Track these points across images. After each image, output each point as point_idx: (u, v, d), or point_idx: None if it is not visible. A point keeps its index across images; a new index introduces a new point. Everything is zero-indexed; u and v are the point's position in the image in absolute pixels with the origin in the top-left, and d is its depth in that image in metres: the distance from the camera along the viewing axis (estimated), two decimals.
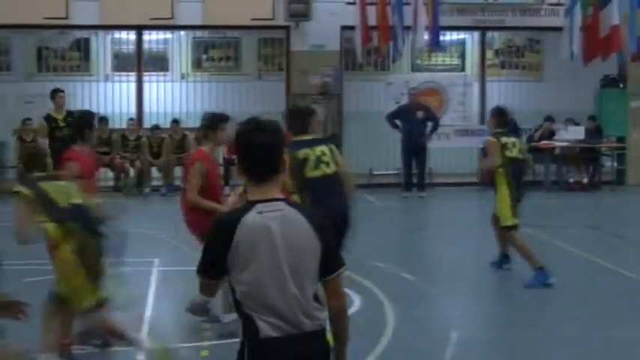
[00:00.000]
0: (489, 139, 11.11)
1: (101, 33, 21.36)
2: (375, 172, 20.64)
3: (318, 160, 8.05)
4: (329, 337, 4.15)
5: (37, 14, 19.52)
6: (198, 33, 21.58)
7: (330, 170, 8.09)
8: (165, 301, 9.95)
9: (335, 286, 4.13)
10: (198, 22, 20.49)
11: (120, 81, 21.37)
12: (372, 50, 21.07)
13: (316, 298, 4.07)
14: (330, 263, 4.10)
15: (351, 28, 20.39)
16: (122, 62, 21.64)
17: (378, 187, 19.77)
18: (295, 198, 7.44)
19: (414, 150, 19.21)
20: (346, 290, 4.52)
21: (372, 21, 20.07)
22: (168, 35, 21.62)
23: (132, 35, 21.20)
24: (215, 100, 20.79)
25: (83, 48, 21.71)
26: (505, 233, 10.92)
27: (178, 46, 21.72)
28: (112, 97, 21.14)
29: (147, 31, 21.13)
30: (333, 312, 4.14)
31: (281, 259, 3.96)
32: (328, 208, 6.48)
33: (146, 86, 21.15)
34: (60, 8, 19.66)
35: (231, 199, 3.94)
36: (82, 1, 19.68)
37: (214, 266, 4.04)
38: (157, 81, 21.39)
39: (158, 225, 14.29)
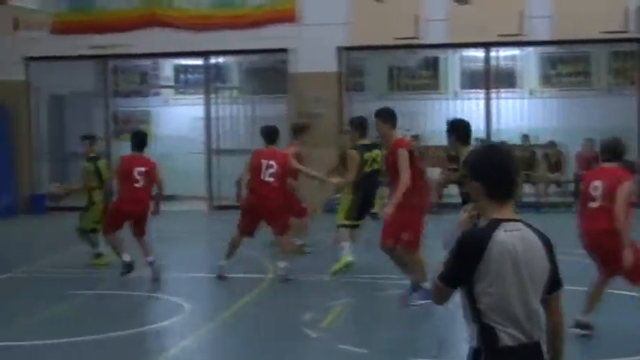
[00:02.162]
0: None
1: (450, 51, 21.71)
2: None
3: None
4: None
5: (389, 35, 20.16)
6: (547, 48, 21.33)
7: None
8: None
9: (556, 303, 4.49)
10: (546, 37, 20.24)
11: (469, 98, 21.58)
12: None
13: None
14: (555, 282, 4.45)
15: None
16: (471, 79, 21.86)
17: None
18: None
19: None
20: None
21: None
22: (517, 51, 21.55)
23: (480, 52, 21.34)
24: (564, 116, 20.46)
25: (432, 66, 22.17)
26: None
27: (527, 61, 21.59)
28: (461, 114, 21.27)
29: (495, 48, 21.15)
30: (553, 326, 4.50)
31: (524, 275, 4.30)
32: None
33: (494, 103, 21.15)
34: (411, 28, 20.19)
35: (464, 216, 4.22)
36: (432, 20, 20.08)
37: (458, 277, 4.35)
38: (506, 98, 21.36)
39: None
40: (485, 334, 4.32)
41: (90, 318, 10.65)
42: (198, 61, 22.50)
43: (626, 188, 8.57)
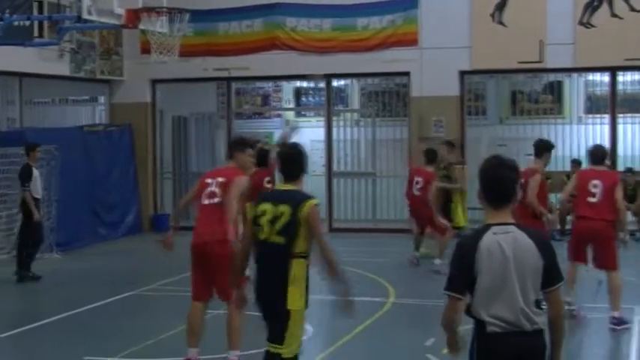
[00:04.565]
0: None
1: (574, 75, 21.33)
2: None
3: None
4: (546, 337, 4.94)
5: (512, 59, 19.96)
6: None
7: None
8: None
9: (553, 296, 4.93)
10: None
11: (593, 123, 21.16)
12: None
13: (537, 304, 4.88)
14: (550, 277, 4.88)
15: None
16: (595, 104, 21.45)
17: None
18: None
19: None
20: None
21: None
22: None
23: (606, 77, 20.89)
24: None
25: (556, 91, 21.83)
26: None
27: None
28: (584, 139, 20.95)
29: (621, 72, 20.67)
30: (551, 318, 4.95)
31: (512, 273, 4.79)
32: None
33: (620, 128, 20.66)
34: (534, 52, 19.92)
35: None
36: (557, 44, 19.78)
37: (460, 282, 4.87)
38: (632, 123, 20.87)
39: (635, 271, 13.92)
40: (476, 322, 4.89)
41: (213, 337, 10.74)
42: (319, 84, 22.63)
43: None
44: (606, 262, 10.86)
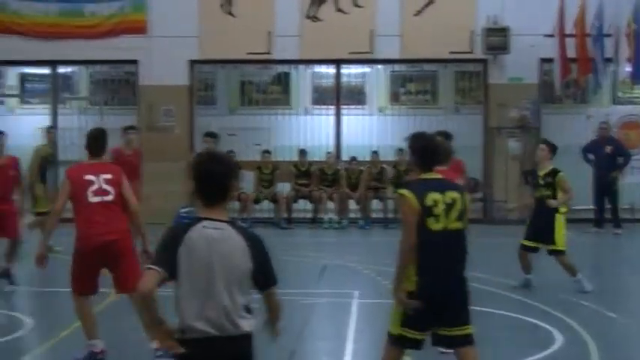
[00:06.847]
0: None
1: (301, 67, 21.86)
2: (573, 207, 20.13)
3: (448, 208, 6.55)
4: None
5: (241, 50, 20.24)
6: (396, 67, 21.73)
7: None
8: (365, 334, 10.04)
9: (271, 299, 4.85)
10: (396, 56, 20.67)
11: (319, 114, 21.75)
12: (571, 83, 20.67)
13: (246, 308, 4.71)
14: (265, 279, 4.78)
15: (550, 60, 20.10)
16: (321, 96, 22.07)
17: (575, 222, 19.26)
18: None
19: (604, 185, 18.80)
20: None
21: (572, 53, 19.73)
22: (367, 69, 21.88)
23: (331, 69, 21.57)
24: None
25: (283, 82, 22.29)
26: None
27: (376, 79, 21.94)
28: (311, 130, 21.55)
29: (345, 65, 21.43)
30: (270, 320, 4.89)
31: (215, 271, 4.61)
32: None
33: (344, 119, 21.42)
34: (262, 44, 20.30)
35: None
36: (284, 36, 20.25)
37: (162, 260, 4.68)
38: (355, 114, 21.65)
39: (357, 257, 14.43)
40: (180, 323, 4.64)
41: None
42: (46, 70, 21.98)
43: None
44: None
